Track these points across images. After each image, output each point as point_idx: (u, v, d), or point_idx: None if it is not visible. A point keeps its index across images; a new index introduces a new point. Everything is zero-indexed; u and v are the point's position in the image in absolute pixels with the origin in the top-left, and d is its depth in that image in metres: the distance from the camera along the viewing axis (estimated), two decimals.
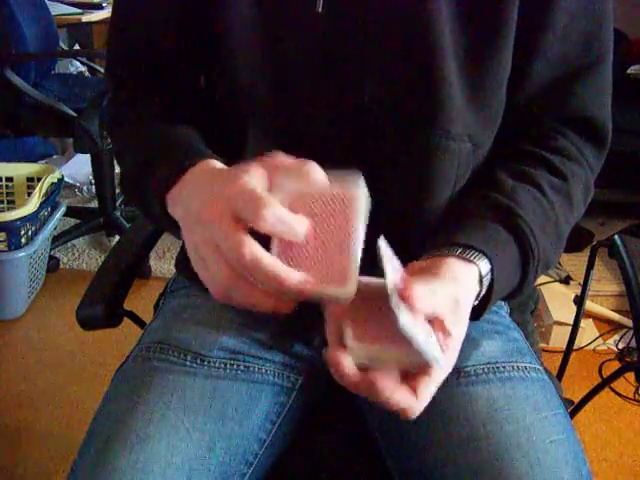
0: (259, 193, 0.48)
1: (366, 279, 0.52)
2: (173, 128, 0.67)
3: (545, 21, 0.64)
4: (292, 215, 0.48)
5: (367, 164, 0.67)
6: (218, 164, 0.58)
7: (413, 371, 0.51)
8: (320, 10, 0.63)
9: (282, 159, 0.51)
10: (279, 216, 0.47)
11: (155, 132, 0.68)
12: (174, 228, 0.58)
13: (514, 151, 0.70)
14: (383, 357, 0.50)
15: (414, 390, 0.50)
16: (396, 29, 0.63)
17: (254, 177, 0.50)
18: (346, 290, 0.49)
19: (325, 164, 0.68)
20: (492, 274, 0.58)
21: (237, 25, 0.65)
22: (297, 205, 0.50)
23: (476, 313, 0.60)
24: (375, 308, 0.52)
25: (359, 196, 0.50)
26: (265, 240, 0.49)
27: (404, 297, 0.47)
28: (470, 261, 0.57)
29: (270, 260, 0.47)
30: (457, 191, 0.69)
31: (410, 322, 0.47)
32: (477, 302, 0.59)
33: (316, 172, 0.50)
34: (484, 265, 0.58)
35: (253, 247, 0.47)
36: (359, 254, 0.49)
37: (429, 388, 0.51)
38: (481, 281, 0.57)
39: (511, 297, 0.65)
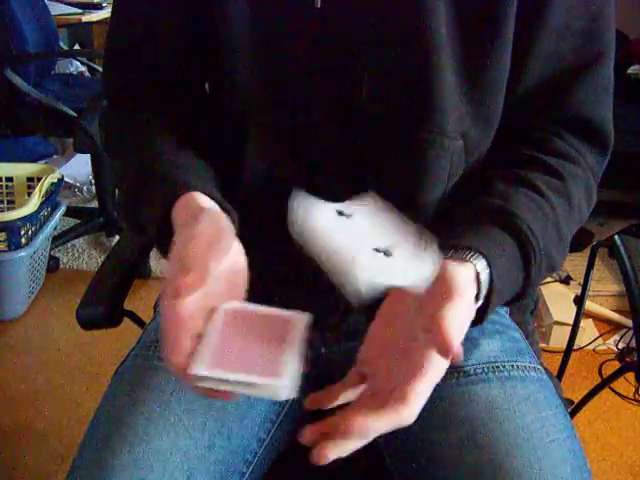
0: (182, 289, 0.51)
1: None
2: (183, 153, 0.67)
3: (541, 18, 0.63)
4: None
5: (363, 159, 0.67)
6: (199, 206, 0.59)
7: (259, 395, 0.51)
8: (319, 6, 0.63)
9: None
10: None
11: (159, 156, 0.66)
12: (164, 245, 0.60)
13: (510, 155, 0.69)
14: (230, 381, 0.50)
15: (405, 397, 0.49)
16: (394, 26, 0.62)
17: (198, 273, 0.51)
18: (277, 382, 0.50)
19: (323, 161, 0.68)
20: (490, 274, 0.56)
21: (235, 22, 0.65)
22: (237, 317, 0.55)
23: (478, 315, 0.58)
24: (243, 334, 0.54)
25: (301, 318, 0.55)
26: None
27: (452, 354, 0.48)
28: (466, 260, 0.56)
29: (175, 333, 0.51)
30: (450, 189, 0.68)
31: None
32: (477, 303, 0.57)
33: None
34: (480, 264, 0.56)
35: (172, 310, 0.51)
36: (296, 361, 0.52)
37: (421, 390, 0.49)
38: (478, 280, 0.55)
39: (517, 299, 0.62)
